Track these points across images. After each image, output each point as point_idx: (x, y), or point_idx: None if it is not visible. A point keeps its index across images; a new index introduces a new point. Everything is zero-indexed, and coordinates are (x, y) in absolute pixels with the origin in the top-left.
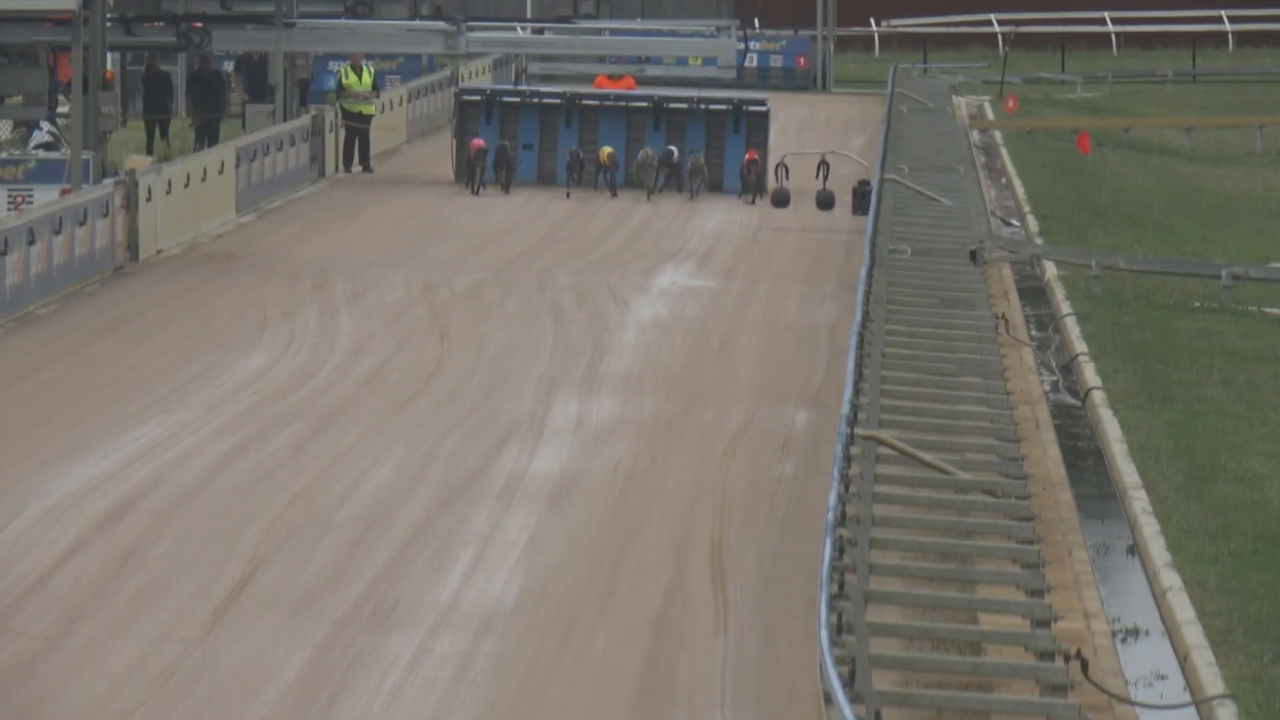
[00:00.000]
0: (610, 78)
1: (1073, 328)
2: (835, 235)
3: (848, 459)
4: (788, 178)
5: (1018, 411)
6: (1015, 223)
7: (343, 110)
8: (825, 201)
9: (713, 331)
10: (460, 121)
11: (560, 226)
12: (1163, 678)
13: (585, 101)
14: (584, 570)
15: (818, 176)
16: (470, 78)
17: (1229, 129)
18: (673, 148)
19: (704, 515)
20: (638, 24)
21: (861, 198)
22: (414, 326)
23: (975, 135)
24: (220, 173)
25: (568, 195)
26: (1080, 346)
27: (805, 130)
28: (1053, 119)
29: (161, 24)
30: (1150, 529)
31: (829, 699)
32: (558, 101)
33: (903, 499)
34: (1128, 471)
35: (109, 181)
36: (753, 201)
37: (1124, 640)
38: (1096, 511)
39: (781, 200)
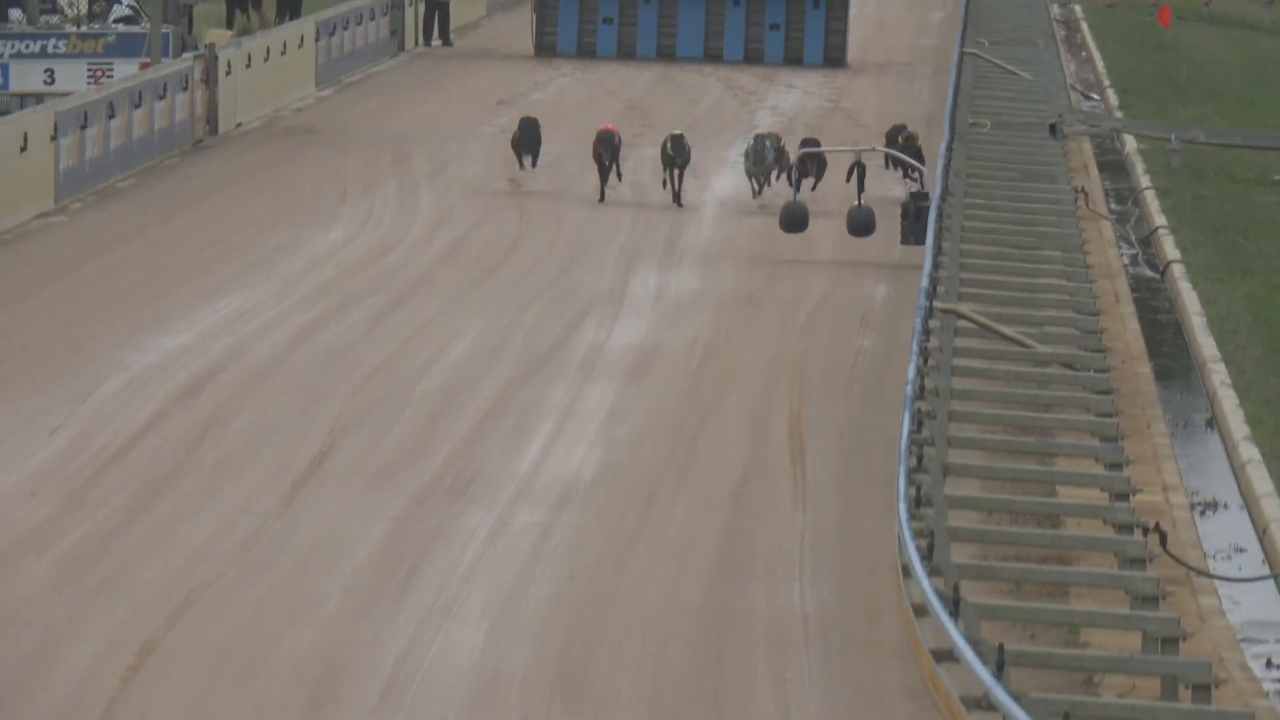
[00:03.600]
0: None
1: (1152, 201)
2: (915, 107)
3: (926, 332)
4: (800, 183)
5: (1097, 285)
6: (1095, 96)
7: None
8: (860, 224)
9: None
10: None
11: (641, 100)
12: (1241, 550)
13: None
14: (663, 443)
15: (849, 180)
16: None
17: None
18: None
19: (782, 389)
20: None
21: (915, 218)
22: (493, 200)
23: (1055, 9)
24: (300, 47)
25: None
26: (1160, 220)
27: (885, 3)
28: None
29: None
30: (1229, 402)
31: (907, 572)
32: None
33: (981, 372)
34: (1207, 344)
35: (188, 55)
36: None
37: (1203, 513)
38: (1176, 385)
39: (795, 220)
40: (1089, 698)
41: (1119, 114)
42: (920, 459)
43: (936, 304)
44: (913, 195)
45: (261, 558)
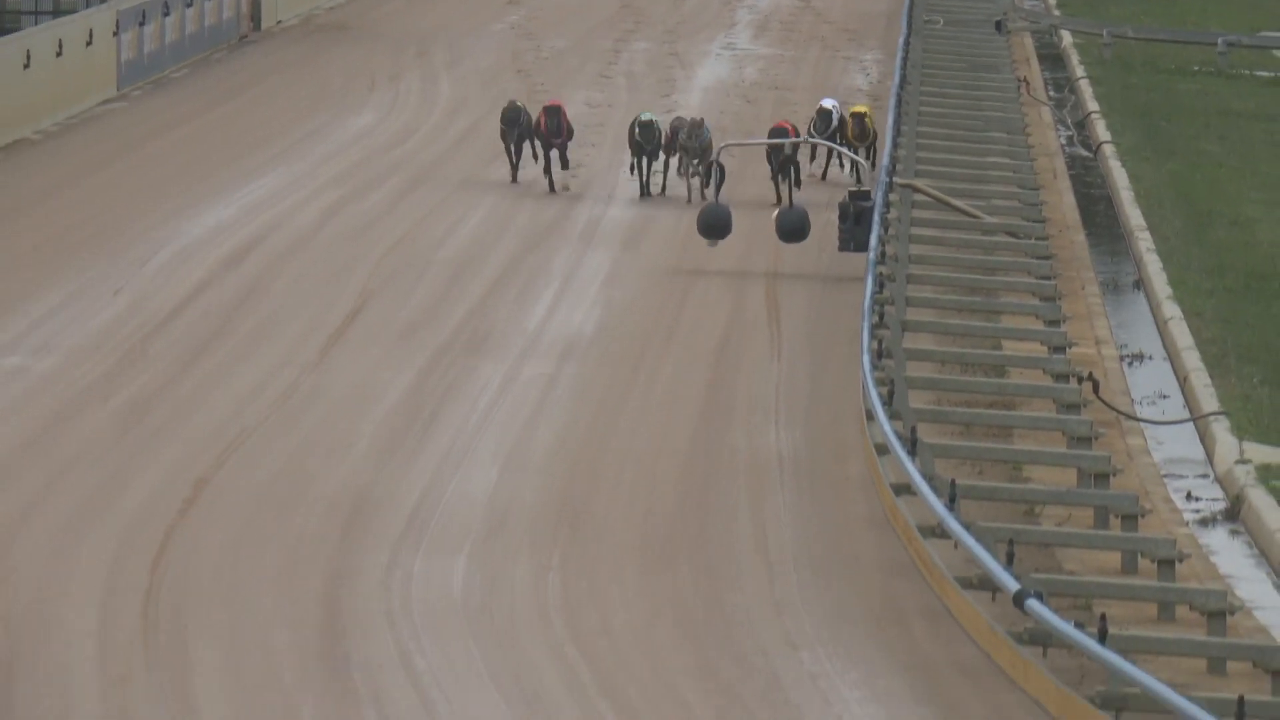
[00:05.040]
0: None
1: (1086, 89)
2: (877, 5)
3: (887, 205)
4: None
5: (1037, 163)
6: None
7: None
8: (791, 227)
9: (771, 91)
10: None
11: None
12: (1165, 397)
13: None
14: (654, 304)
15: (779, 181)
16: None
17: None
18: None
19: (759, 257)
20: None
21: (855, 220)
22: (504, 89)
23: None
24: None
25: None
26: (1093, 106)
27: None
28: None
29: None
30: (1154, 266)
31: (870, 416)
32: None
33: (935, 240)
34: (1134, 215)
35: None
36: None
37: (1130, 364)
38: (1107, 250)
39: (715, 224)
40: (1030, 526)
41: (1057, 12)
42: (881, 316)
43: (896, 179)
44: (852, 194)
45: (299, 405)
